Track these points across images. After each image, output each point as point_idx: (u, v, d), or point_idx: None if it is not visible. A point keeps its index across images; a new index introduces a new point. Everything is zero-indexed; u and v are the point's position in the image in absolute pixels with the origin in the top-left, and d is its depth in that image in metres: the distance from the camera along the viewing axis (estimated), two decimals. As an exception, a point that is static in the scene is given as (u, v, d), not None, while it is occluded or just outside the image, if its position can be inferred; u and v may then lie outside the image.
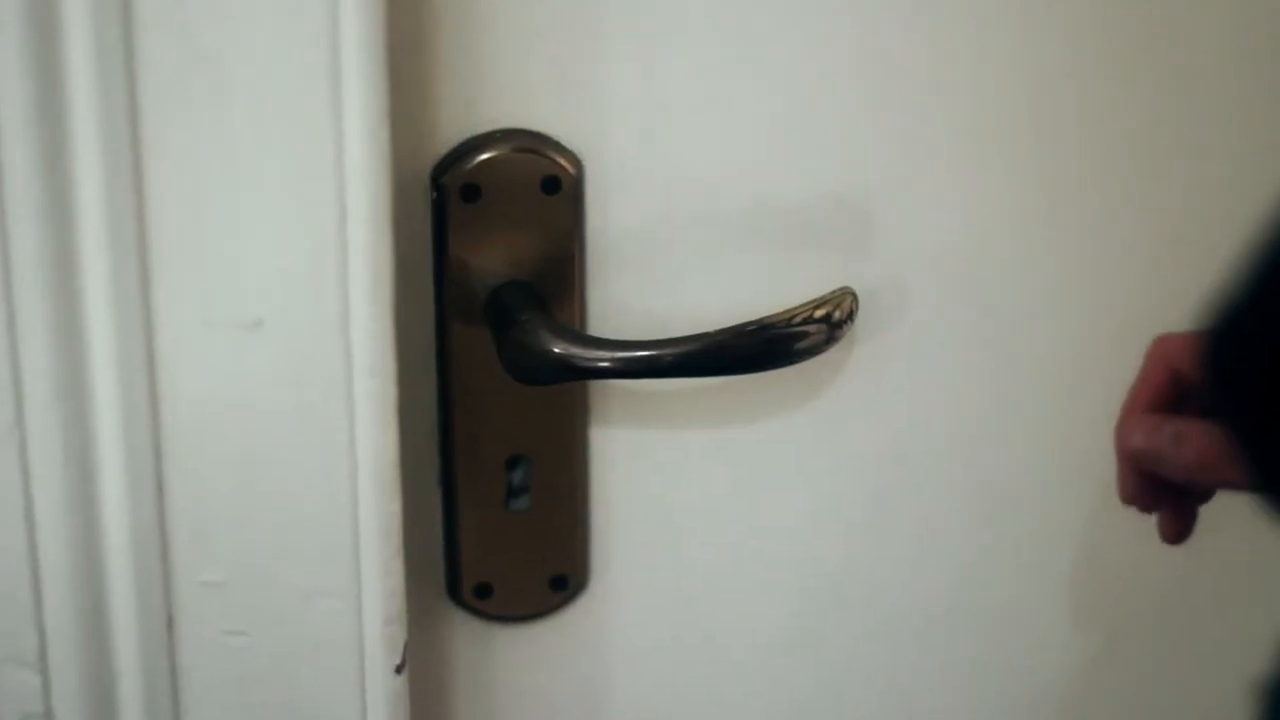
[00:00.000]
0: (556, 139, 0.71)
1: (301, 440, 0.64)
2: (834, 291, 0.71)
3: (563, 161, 0.71)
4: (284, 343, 0.62)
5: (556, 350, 0.69)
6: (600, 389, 0.75)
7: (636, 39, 0.70)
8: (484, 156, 0.70)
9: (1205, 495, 0.66)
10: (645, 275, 0.73)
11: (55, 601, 0.63)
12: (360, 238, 0.62)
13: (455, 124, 0.70)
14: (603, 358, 0.69)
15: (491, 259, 0.71)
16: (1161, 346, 0.64)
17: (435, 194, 0.70)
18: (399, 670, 0.68)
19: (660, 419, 0.76)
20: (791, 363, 0.69)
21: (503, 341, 0.71)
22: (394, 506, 0.66)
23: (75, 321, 0.60)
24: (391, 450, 0.65)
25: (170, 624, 0.66)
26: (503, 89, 0.70)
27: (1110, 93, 0.75)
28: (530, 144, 0.71)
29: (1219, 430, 0.58)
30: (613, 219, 0.72)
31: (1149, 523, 0.66)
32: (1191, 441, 0.61)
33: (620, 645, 0.80)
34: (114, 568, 0.64)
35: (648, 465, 0.77)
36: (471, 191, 0.70)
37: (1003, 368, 0.78)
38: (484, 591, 0.77)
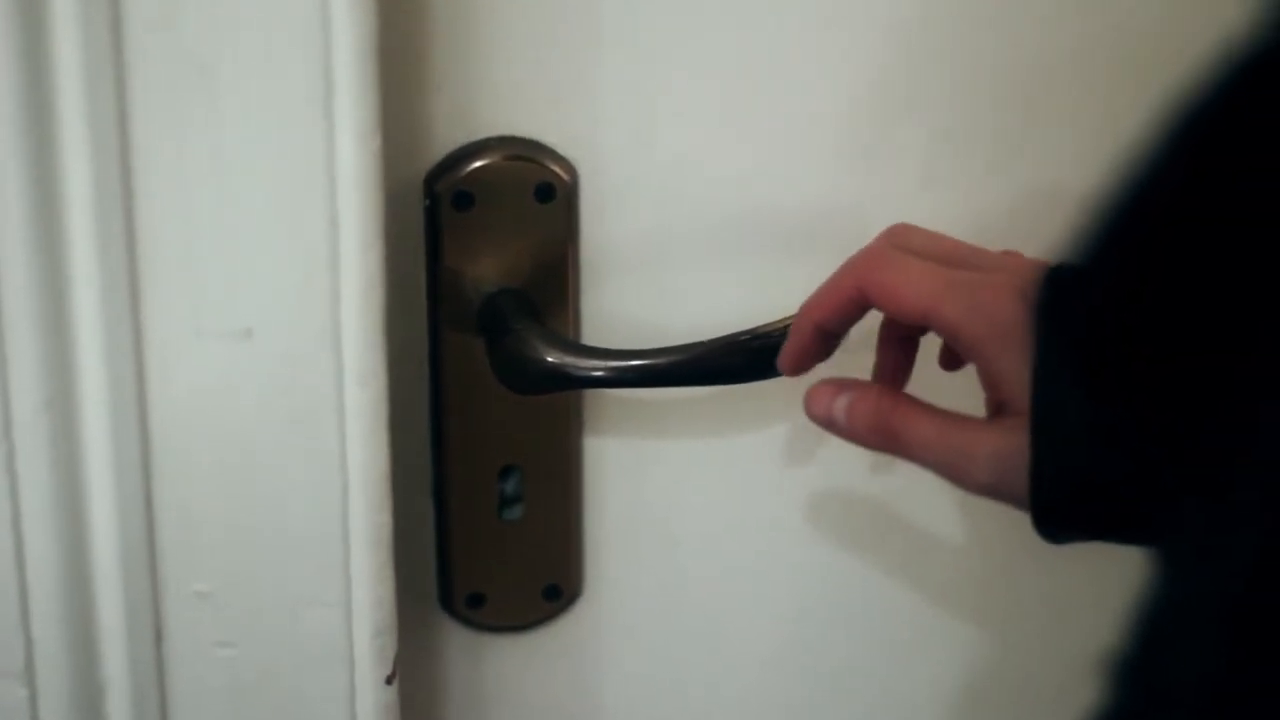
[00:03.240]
0: (550, 146, 0.71)
1: (292, 450, 0.63)
2: (830, 301, 0.71)
3: (557, 169, 0.71)
4: (274, 352, 0.62)
5: (550, 359, 0.69)
6: (594, 398, 0.75)
7: (631, 46, 0.70)
8: (477, 164, 0.70)
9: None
10: (640, 284, 0.73)
11: (43, 612, 0.63)
12: (351, 246, 0.61)
13: (448, 131, 0.70)
14: (596, 367, 0.69)
15: (485, 267, 0.71)
16: (864, 266, 0.63)
17: (428, 202, 0.70)
18: (390, 681, 0.68)
19: (654, 428, 0.76)
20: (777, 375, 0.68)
21: (496, 350, 0.70)
22: (385, 517, 0.65)
23: (64, 331, 0.60)
24: (382, 460, 0.64)
25: (159, 635, 0.65)
26: (496, 96, 0.70)
27: (1113, 97, 0.75)
28: (524, 151, 0.70)
29: (889, 397, 0.62)
30: (607, 227, 0.72)
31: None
32: (862, 411, 0.62)
33: (614, 655, 0.79)
34: (102, 578, 0.63)
35: (642, 475, 0.77)
36: (465, 199, 0.70)
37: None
38: (477, 601, 0.76)
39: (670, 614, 0.79)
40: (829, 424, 0.64)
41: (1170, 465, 0.46)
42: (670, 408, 0.76)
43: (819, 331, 0.64)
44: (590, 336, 0.73)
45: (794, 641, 0.81)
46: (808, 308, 0.65)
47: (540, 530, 0.76)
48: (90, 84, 0.57)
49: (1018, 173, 0.75)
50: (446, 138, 0.70)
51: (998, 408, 0.60)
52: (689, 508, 0.78)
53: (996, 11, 0.72)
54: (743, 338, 0.68)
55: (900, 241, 0.63)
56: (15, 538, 0.62)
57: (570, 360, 0.69)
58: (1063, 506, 0.57)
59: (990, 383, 0.60)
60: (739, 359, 0.68)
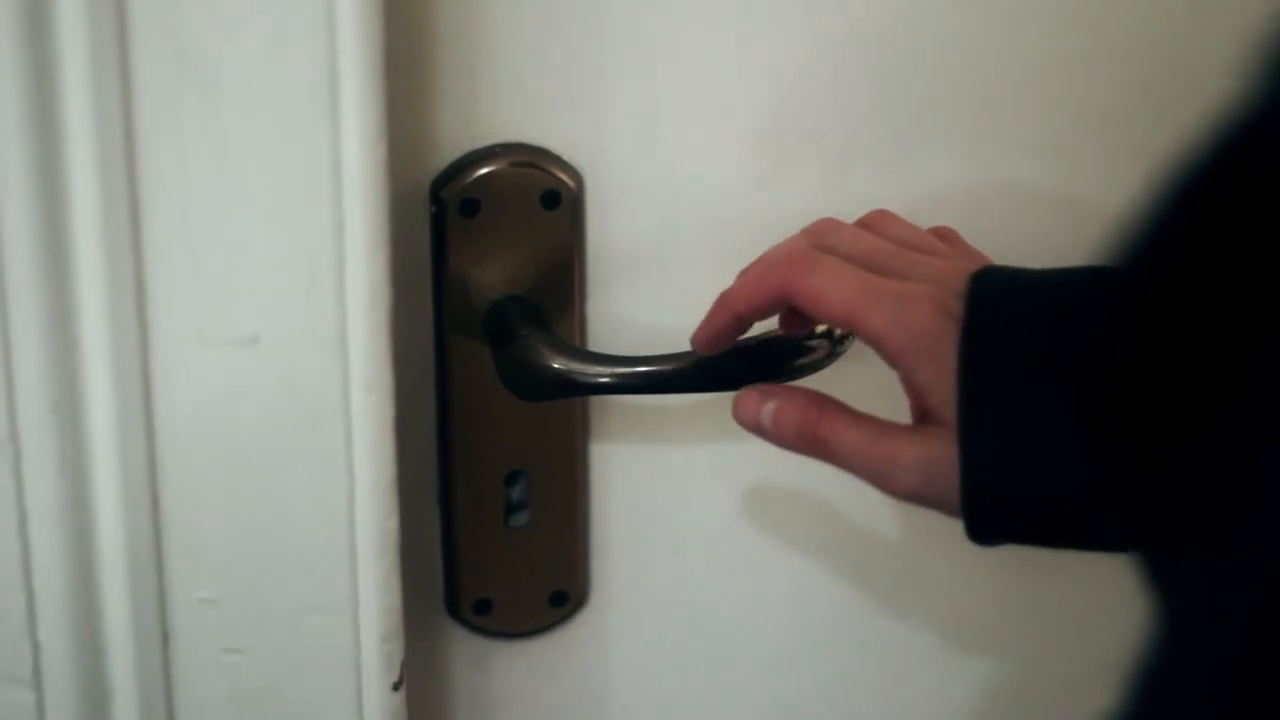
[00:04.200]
0: (556, 153, 0.71)
1: (298, 456, 0.63)
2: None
3: (562, 175, 0.71)
4: (280, 358, 0.62)
5: (556, 366, 0.68)
6: (600, 404, 0.75)
7: (637, 52, 0.70)
8: (483, 171, 0.70)
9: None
10: (646, 290, 0.73)
11: (49, 618, 0.63)
12: (357, 253, 0.61)
13: (454, 138, 0.70)
14: (602, 373, 0.69)
15: (491, 274, 0.71)
16: (788, 267, 0.63)
17: (434, 208, 0.70)
18: (396, 687, 0.68)
19: (661, 434, 0.76)
20: (793, 378, 0.68)
21: (502, 357, 0.70)
22: (391, 523, 0.65)
23: (70, 336, 0.60)
24: (389, 466, 0.64)
25: (165, 641, 0.65)
26: (502, 103, 0.70)
27: (1117, 97, 0.75)
28: (530, 158, 0.70)
29: (816, 405, 0.63)
30: (612, 234, 0.72)
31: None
32: (789, 419, 0.63)
33: (620, 661, 0.79)
34: (109, 584, 0.63)
35: (648, 481, 0.76)
36: (471, 206, 0.70)
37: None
38: (483, 608, 0.76)
39: (676, 619, 0.79)
40: (757, 430, 0.65)
41: (1151, 494, 0.47)
42: (676, 414, 0.76)
43: (736, 320, 0.65)
44: (596, 343, 0.73)
45: (799, 647, 0.81)
46: (730, 298, 0.65)
47: (546, 536, 0.76)
48: (95, 89, 0.58)
49: (1026, 179, 0.75)
50: (452, 144, 0.70)
51: (922, 415, 0.61)
52: (695, 513, 0.77)
53: (1001, 13, 0.72)
54: (750, 344, 0.68)
55: (825, 241, 0.64)
56: (22, 543, 0.62)
57: (576, 366, 0.68)
58: (995, 516, 0.59)
59: (913, 392, 0.61)
60: (744, 365, 0.68)
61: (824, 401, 0.64)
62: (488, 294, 0.71)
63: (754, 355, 0.68)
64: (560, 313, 0.72)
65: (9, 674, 0.64)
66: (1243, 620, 0.40)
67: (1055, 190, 0.76)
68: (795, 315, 0.66)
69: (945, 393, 0.58)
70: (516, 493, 0.75)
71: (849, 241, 0.64)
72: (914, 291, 0.60)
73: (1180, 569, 0.44)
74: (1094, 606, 0.82)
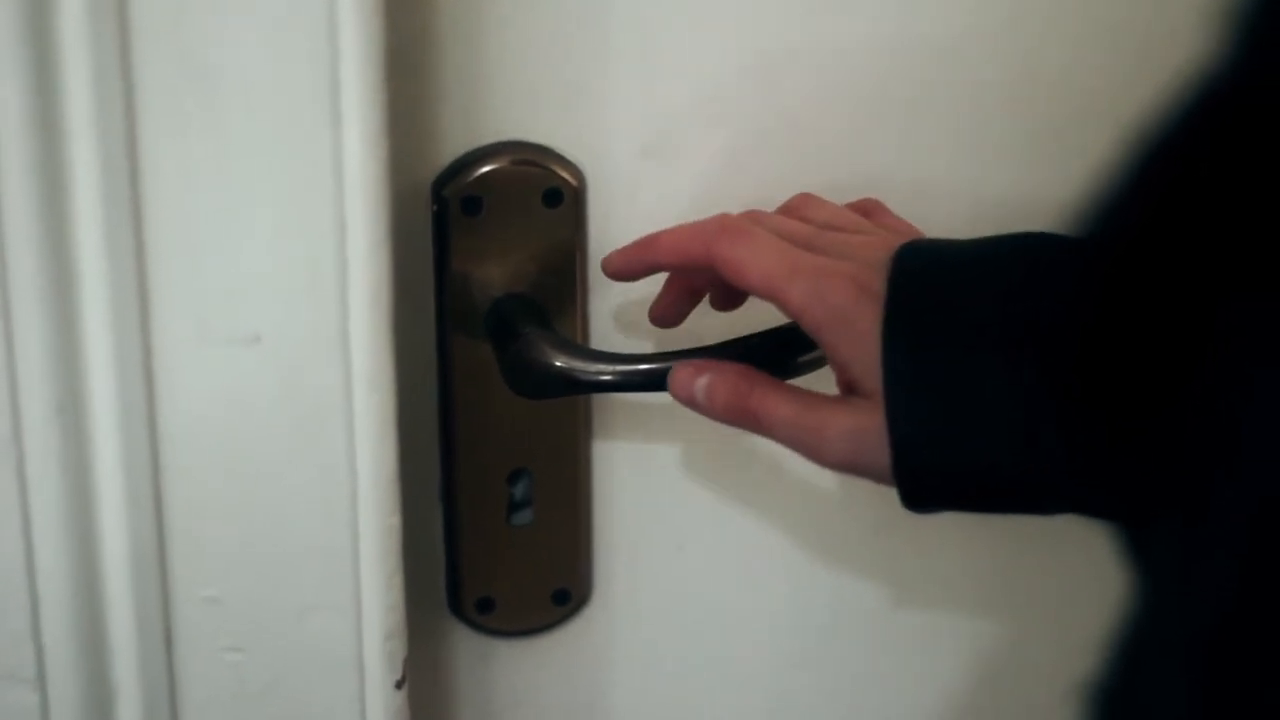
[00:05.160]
0: (558, 151, 0.71)
1: (300, 455, 0.63)
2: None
3: (564, 174, 0.71)
4: (282, 357, 0.62)
5: (558, 364, 0.68)
6: (603, 402, 0.75)
7: (639, 52, 0.70)
8: (485, 169, 0.70)
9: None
10: (647, 288, 0.73)
11: (53, 618, 0.63)
12: (359, 251, 0.61)
13: (456, 136, 0.70)
14: (605, 371, 0.68)
15: (493, 271, 0.71)
16: (716, 237, 0.65)
17: (436, 206, 0.70)
18: (399, 686, 0.67)
19: (663, 432, 0.76)
20: (795, 376, 0.68)
21: (504, 355, 0.70)
22: (394, 521, 0.65)
23: (72, 336, 0.60)
24: (391, 465, 0.64)
25: (168, 640, 0.65)
26: (504, 101, 0.70)
27: (1120, 92, 0.75)
28: (532, 156, 0.70)
29: (747, 379, 0.64)
30: (614, 232, 0.72)
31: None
32: (721, 392, 0.65)
33: (623, 660, 0.79)
34: (112, 583, 0.63)
35: (650, 479, 0.76)
36: (473, 204, 0.70)
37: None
38: (486, 606, 0.76)
39: (679, 618, 0.79)
40: (690, 403, 0.66)
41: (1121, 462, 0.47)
42: (678, 412, 0.75)
43: (651, 263, 0.68)
44: (598, 340, 0.73)
45: (802, 644, 0.81)
46: (655, 241, 0.67)
47: (549, 534, 0.76)
48: (97, 90, 0.57)
49: (1034, 182, 0.75)
50: (454, 142, 0.70)
51: (847, 388, 0.63)
52: (698, 512, 0.77)
53: (1006, 15, 0.72)
54: (752, 341, 0.68)
55: (759, 215, 0.67)
56: (25, 543, 0.62)
57: (578, 364, 0.68)
58: (927, 485, 0.60)
59: (836, 366, 0.63)
60: (748, 362, 0.68)
61: (755, 375, 0.65)
62: (490, 292, 0.71)
63: (756, 351, 0.68)
64: (562, 310, 0.72)
65: (13, 674, 0.64)
66: (1221, 590, 0.40)
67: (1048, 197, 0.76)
68: (722, 288, 0.67)
69: (866, 365, 0.60)
70: (519, 491, 0.75)
71: (774, 223, 0.66)
72: (832, 268, 0.62)
73: (1157, 537, 0.44)
74: (1103, 599, 0.82)
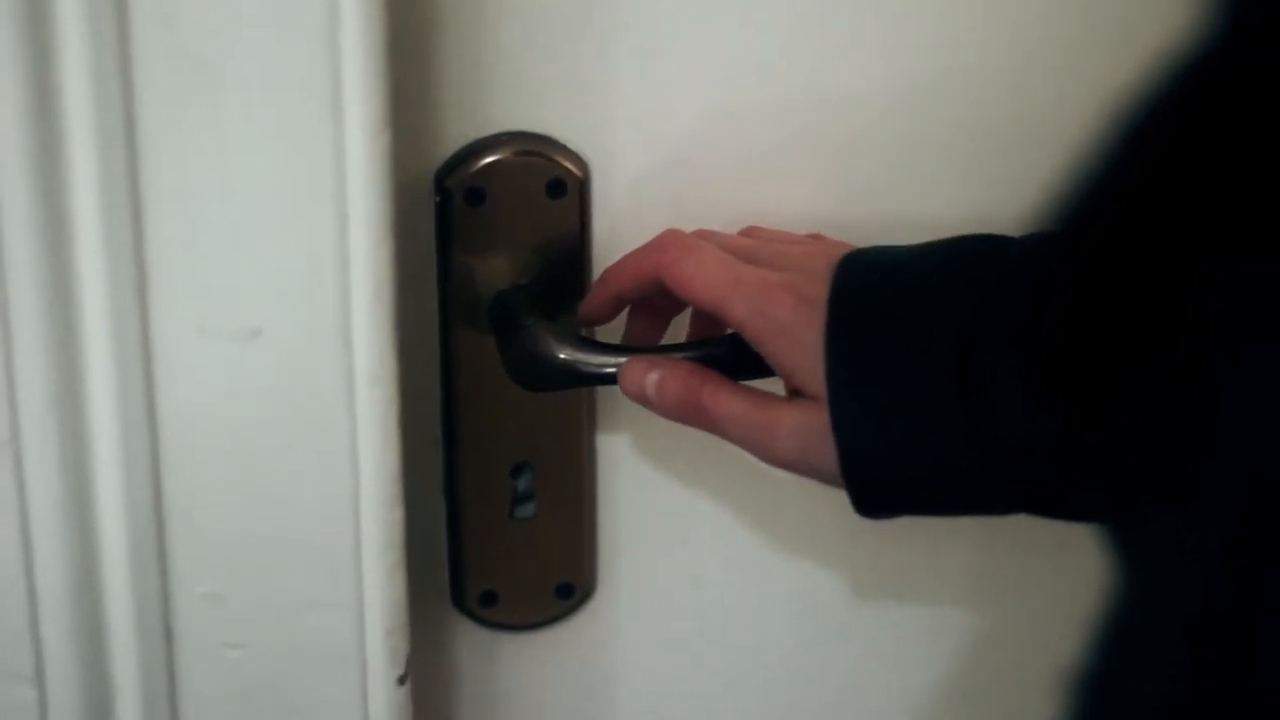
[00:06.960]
0: (562, 142, 0.70)
1: (301, 450, 0.63)
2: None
3: (568, 164, 0.70)
4: (283, 352, 0.62)
5: (562, 356, 0.68)
6: (606, 395, 0.74)
7: (643, 42, 0.70)
8: (488, 160, 0.70)
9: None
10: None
11: (52, 614, 0.63)
12: (361, 244, 0.61)
13: (459, 127, 0.69)
14: (609, 363, 0.68)
15: (496, 263, 0.71)
16: (664, 252, 0.66)
17: (439, 197, 0.70)
18: (401, 681, 0.67)
19: (667, 426, 0.75)
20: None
21: (507, 347, 0.70)
22: (396, 515, 0.65)
23: (71, 331, 0.60)
24: (393, 459, 0.64)
25: (169, 636, 0.65)
26: (507, 91, 0.69)
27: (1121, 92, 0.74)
28: (535, 147, 0.70)
29: (698, 375, 0.65)
30: (618, 223, 0.72)
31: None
32: (671, 389, 0.66)
33: (626, 654, 0.79)
34: (111, 580, 0.63)
35: (654, 472, 0.76)
36: (476, 195, 0.70)
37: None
38: (489, 600, 0.76)
39: (683, 611, 0.79)
40: (641, 399, 0.67)
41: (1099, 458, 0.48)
42: (683, 404, 0.75)
43: (617, 297, 0.69)
44: (602, 333, 0.73)
45: (807, 638, 0.80)
46: (610, 276, 0.69)
47: (552, 528, 0.75)
48: (96, 82, 0.57)
49: (1037, 182, 0.74)
50: (457, 133, 0.70)
51: (793, 393, 0.64)
52: (702, 505, 0.77)
53: (1017, 19, 0.72)
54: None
55: (706, 232, 0.68)
56: (24, 539, 0.62)
57: (582, 357, 0.68)
58: (877, 492, 0.62)
59: (781, 374, 0.64)
60: (752, 355, 0.68)
61: (705, 372, 0.66)
62: (493, 283, 0.71)
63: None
64: (566, 302, 0.72)
65: (12, 670, 0.63)
66: (1210, 573, 0.40)
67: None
68: (672, 299, 0.68)
69: (809, 373, 0.61)
70: (522, 484, 0.74)
71: (719, 239, 0.68)
72: (773, 280, 0.63)
73: (1141, 520, 0.44)
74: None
